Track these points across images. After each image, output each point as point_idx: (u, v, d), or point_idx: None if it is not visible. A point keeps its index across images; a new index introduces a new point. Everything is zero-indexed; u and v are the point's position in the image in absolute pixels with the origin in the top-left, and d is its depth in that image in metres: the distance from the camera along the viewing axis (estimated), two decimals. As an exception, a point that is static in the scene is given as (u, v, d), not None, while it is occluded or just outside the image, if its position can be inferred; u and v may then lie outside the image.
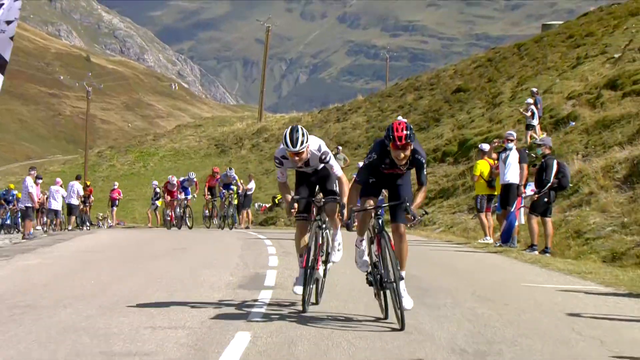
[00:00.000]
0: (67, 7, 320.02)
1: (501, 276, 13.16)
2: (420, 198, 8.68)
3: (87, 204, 36.98)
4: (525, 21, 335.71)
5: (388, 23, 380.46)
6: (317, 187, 9.83)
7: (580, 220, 19.36)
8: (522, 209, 18.53)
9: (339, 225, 9.70)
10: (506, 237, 18.68)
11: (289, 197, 9.41)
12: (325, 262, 9.78)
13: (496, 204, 20.27)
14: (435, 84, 63.45)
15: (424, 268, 13.39)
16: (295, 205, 9.37)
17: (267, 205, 42.82)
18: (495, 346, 7.25)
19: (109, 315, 8.90)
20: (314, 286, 9.59)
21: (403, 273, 8.60)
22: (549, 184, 16.97)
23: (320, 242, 9.53)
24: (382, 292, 8.73)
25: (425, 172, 8.70)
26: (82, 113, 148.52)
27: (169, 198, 33.99)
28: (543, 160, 17.56)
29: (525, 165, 18.14)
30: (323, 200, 9.61)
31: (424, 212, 9.01)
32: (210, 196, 32.63)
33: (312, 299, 9.60)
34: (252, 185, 34.81)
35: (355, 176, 9.20)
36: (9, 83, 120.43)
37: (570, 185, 19.46)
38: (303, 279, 9.12)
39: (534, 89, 33.19)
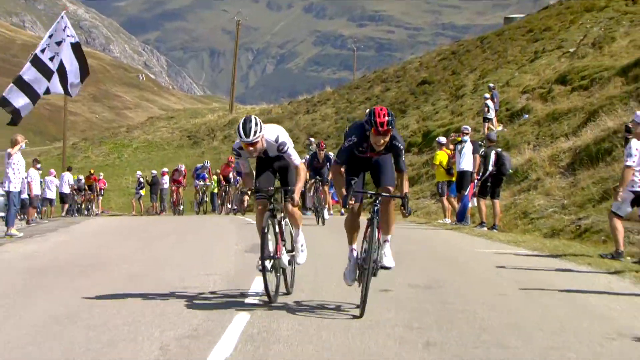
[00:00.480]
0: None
1: (451, 244, 16.03)
2: (405, 187, 8.81)
3: (94, 192, 39.75)
4: (491, 11, 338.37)
5: (354, 13, 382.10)
6: (278, 175, 9.73)
7: (527, 202, 22.20)
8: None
9: (300, 225, 9.71)
10: (461, 217, 21.55)
11: (248, 187, 9.61)
12: (290, 251, 9.71)
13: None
14: (402, 76, 65.96)
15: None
16: (245, 197, 9.69)
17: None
18: (440, 282, 10.25)
19: (158, 268, 12.24)
20: (282, 276, 9.58)
21: (389, 237, 9.00)
22: (488, 172, 19.70)
23: (278, 230, 9.44)
24: (360, 275, 8.81)
25: (403, 159, 8.78)
26: (48, 104, 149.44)
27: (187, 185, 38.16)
28: (484, 151, 20.38)
29: (477, 156, 20.86)
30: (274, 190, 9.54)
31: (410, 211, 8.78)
32: (225, 183, 35.52)
33: (282, 289, 9.61)
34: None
35: (336, 158, 9.19)
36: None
37: (512, 171, 22.25)
38: (263, 271, 9.09)
39: (491, 85, 36.06)
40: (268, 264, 9.05)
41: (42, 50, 17.38)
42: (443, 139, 24.45)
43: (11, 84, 17.91)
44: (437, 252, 13.80)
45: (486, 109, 31.93)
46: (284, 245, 9.48)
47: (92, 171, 44.16)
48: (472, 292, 9.84)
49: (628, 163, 12.50)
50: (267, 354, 6.71)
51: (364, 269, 8.55)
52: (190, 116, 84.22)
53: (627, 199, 12.61)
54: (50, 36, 18.05)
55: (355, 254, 8.88)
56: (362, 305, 8.31)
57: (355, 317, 8.21)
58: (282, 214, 9.58)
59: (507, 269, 11.77)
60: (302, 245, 9.70)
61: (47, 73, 17.08)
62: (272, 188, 9.43)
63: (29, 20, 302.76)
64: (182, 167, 38.11)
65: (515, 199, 23.27)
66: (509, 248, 14.93)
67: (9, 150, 18.19)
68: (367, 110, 8.65)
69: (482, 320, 8.16)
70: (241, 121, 9.08)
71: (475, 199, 20.97)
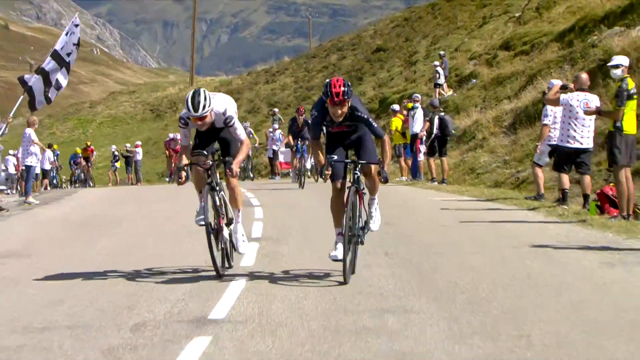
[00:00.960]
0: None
1: (406, 196, 19.05)
2: (387, 153, 8.93)
3: (89, 164, 42.73)
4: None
5: None
6: (219, 147, 9.56)
7: (474, 160, 25.28)
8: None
9: (240, 206, 9.54)
10: (414, 174, 24.58)
11: (185, 162, 9.23)
12: (228, 225, 9.43)
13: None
14: (357, 44, 68.61)
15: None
16: (182, 173, 9.12)
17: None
18: (396, 220, 13.09)
19: (176, 216, 14.87)
20: (223, 250, 9.36)
21: (375, 198, 9.25)
22: (433, 134, 22.66)
23: (219, 204, 9.27)
24: (349, 246, 8.78)
25: (375, 125, 8.83)
26: (4, 82, 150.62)
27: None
28: (429, 116, 23.37)
29: (426, 119, 23.81)
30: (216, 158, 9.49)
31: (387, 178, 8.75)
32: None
33: (225, 264, 9.43)
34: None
35: (310, 134, 9.49)
36: None
37: (454, 133, 25.26)
38: (210, 241, 8.94)
39: (442, 53, 39.02)
40: (216, 236, 9.08)
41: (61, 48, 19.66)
42: (397, 107, 27.43)
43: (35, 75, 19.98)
44: (395, 201, 16.68)
45: (437, 75, 34.86)
46: (224, 218, 9.33)
47: (88, 143, 47.31)
48: (421, 225, 13.02)
49: (545, 122, 15.54)
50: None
51: (351, 237, 8.67)
52: (151, 90, 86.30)
53: (545, 151, 15.61)
54: (66, 33, 20.12)
55: (341, 237, 8.73)
56: (348, 274, 8.54)
57: (340, 283, 8.49)
58: (219, 186, 9.42)
59: (449, 210, 14.97)
60: (242, 236, 9.48)
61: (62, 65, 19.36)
62: (209, 161, 9.26)
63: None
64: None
65: (464, 157, 26.34)
66: (453, 196, 18.04)
67: (28, 130, 21.42)
68: (324, 83, 8.70)
69: (427, 241, 11.29)
70: (190, 94, 8.91)
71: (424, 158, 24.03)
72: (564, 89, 14.40)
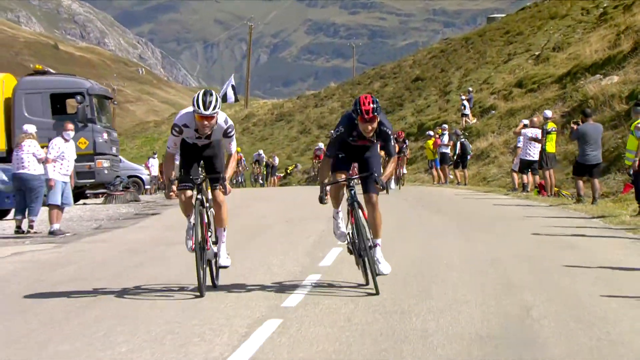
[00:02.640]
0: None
1: (438, 192, 29.23)
2: (390, 168, 9.33)
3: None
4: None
5: (346, 1, 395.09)
6: (203, 164, 9.57)
7: (486, 171, 35.25)
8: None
9: (226, 225, 9.66)
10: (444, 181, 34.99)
11: (172, 174, 9.34)
12: (215, 243, 9.54)
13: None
14: (398, 73, 77.29)
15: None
16: (174, 187, 9.17)
17: (282, 175, 57.72)
18: (428, 201, 23.03)
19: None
20: (208, 268, 9.39)
21: (379, 241, 9.27)
22: (455, 154, 33.50)
23: (207, 221, 9.30)
24: (361, 260, 9.22)
25: (392, 143, 9.22)
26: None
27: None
28: (454, 139, 33.62)
29: (451, 142, 34.01)
30: (204, 178, 9.49)
31: (385, 185, 9.33)
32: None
33: (208, 282, 9.37)
34: (276, 161, 51.92)
35: (326, 151, 9.80)
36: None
37: (471, 153, 35.47)
38: (197, 261, 8.97)
39: (470, 89, 49.15)
40: (201, 255, 9.09)
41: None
42: (431, 132, 37.95)
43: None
44: (430, 194, 26.55)
45: (462, 107, 44.91)
46: (210, 236, 9.39)
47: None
48: (447, 204, 23.20)
49: (518, 145, 25.69)
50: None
51: (361, 256, 9.13)
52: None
53: (517, 162, 26.03)
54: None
55: (340, 215, 9.53)
56: (375, 285, 8.94)
57: (371, 294, 9.06)
58: (209, 202, 9.44)
59: (463, 197, 25.29)
60: (226, 254, 9.65)
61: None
62: (200, 177, 9.38)
63: (24, 15, 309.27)
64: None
65: (479, 170, 36.32)
66: (468, 192, 28.28)
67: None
68: (354, 100, 8.95)
69: (446, 210, 21.19)
70: (200, 93, 8.98)
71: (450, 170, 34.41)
72: (525, 126, 24.67)
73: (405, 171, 35.26)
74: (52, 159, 17.39)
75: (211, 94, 8.93)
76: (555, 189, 24.39)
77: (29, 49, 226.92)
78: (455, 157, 33.76)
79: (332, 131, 10.23)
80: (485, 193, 27.66)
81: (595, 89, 33.25)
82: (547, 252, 12.52)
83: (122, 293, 9.73)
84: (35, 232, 17.72)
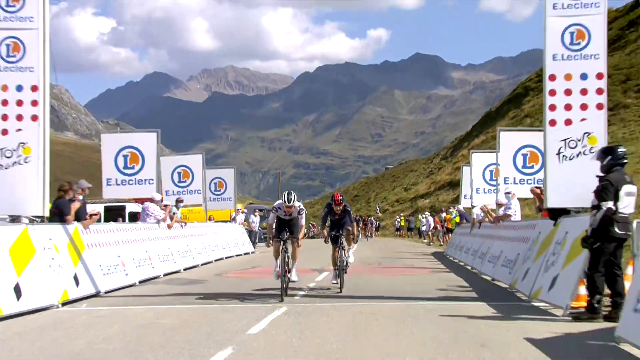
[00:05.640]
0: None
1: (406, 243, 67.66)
2: (354, 229, 17.81)
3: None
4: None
5: (313, 150, 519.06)
6: (287, 229, 16.36)
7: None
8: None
9: (297, 259, 17.07)
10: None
11: (274, 233, 16.40)
12: (289, 271, 16.11)
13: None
14: (345, 192, 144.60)
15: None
16: (271, 241, 16.38)
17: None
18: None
19: None
20: (285, 286, 15.55)
21: (351, 259, 18.36)
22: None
23: (287, 260, 15.83)
24: (339, 273, 17.00)
25: (351, 217, 17.77)
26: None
27: None
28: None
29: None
30: (288, 236, 16.22)
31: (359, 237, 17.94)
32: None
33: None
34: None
35: (320, 222, 18.69)
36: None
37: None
38: (280, 281, 15.49)
39: (379, 204, 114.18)
40: (283, 278, 15.51)
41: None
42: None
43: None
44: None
45: (378, 208, 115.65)
46: (287, 267, 15.96)
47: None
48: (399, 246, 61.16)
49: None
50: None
51: (341, 269, 16.96)
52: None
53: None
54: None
55: (336, 272, 17.11)
56: (341, 286, 16.87)
57: (338, 293, 16.67)
58: (288, 251, 16.16)
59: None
60: (295, 271, 16.94)
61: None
62: (286, 236, 16.22)
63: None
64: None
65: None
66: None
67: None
68: (331, 195, 18.53)
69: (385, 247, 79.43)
70: (285, 192, 16.26)
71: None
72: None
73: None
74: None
75: (290, 193, 16.38)
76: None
77: None
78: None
79: (321, 211, 19.89)
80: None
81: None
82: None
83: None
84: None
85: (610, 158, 12.18)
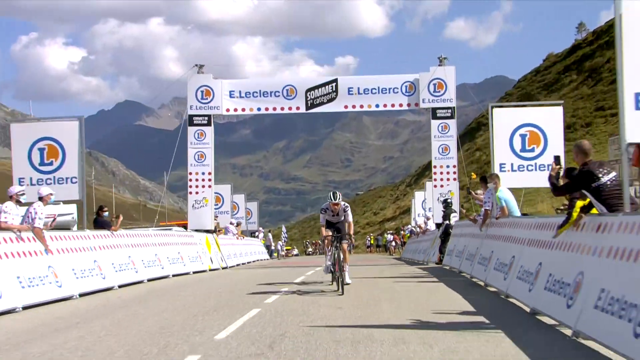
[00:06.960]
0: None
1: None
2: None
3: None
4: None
5: (284, 176, 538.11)
6: (335, 232, 17.21)
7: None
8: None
9: (348, 259, 17.30)
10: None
11: (328, 232, 17.22)
12: (344, 269, 16.77)
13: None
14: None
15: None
16: (327, 240, 17.22)
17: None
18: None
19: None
20: (339, 279, 16.58)
21: (347, 267, 17.31)
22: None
23: (337, 257, 16.58)
24: (336, 276, 16.87)
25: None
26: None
27: None
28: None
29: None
30: (338, 236, 16.99)
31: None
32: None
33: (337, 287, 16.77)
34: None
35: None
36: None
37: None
38: (332, 273, 17.20)
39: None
40: (334, 274, 17.11)
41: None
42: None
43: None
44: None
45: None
46: (338, 265, 16.66)
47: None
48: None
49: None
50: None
51: (338, 274, 16.60)
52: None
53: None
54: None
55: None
56: (341, 289, 16.27)
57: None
58: (339, 248, 16.86)
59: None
60: (347, 272, 17.42)
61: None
62: (335, 235, 17.11)
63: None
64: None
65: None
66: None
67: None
68: (328, 195, 17.39)
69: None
70: (332, 192, 17.35)
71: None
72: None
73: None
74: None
75: (336, 193, 17.49)
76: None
77: None
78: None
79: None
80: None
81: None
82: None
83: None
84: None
85: None
